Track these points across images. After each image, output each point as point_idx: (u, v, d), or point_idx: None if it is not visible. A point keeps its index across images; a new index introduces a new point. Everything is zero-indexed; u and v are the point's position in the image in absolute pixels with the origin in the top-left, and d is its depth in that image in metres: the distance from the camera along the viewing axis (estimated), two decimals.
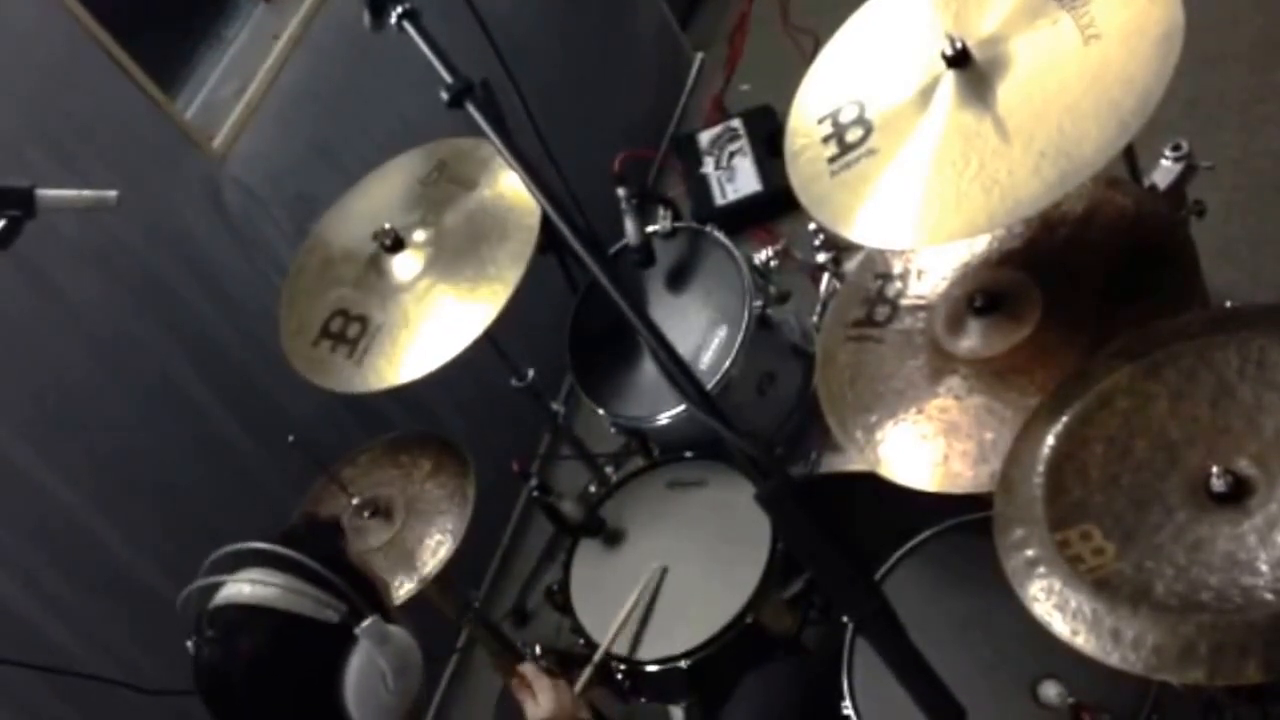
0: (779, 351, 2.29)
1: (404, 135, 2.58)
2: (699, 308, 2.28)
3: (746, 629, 2.01)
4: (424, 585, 2.09)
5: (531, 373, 2.38)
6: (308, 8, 2.68)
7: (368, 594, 1.43)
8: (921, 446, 1.69)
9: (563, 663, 2.06)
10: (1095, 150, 1.45)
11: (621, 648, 2.07)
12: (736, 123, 3.50)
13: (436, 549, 2.15)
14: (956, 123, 1.59)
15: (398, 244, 2.16)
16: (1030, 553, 1.38)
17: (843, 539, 1.14)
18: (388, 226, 2.16)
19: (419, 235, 2.18)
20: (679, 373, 1.17)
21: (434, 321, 2.08)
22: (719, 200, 3.39)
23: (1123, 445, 1.41)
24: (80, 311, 2.26)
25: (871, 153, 1.67)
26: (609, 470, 2.65)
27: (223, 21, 2.69)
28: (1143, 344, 1.47)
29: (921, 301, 1.84)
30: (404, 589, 2.10)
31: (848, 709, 1.74)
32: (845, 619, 1.78)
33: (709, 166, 3.46)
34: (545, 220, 2.06)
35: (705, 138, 3.52)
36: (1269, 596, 1.22)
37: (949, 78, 1.61)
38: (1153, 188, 1.78)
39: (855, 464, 1.83)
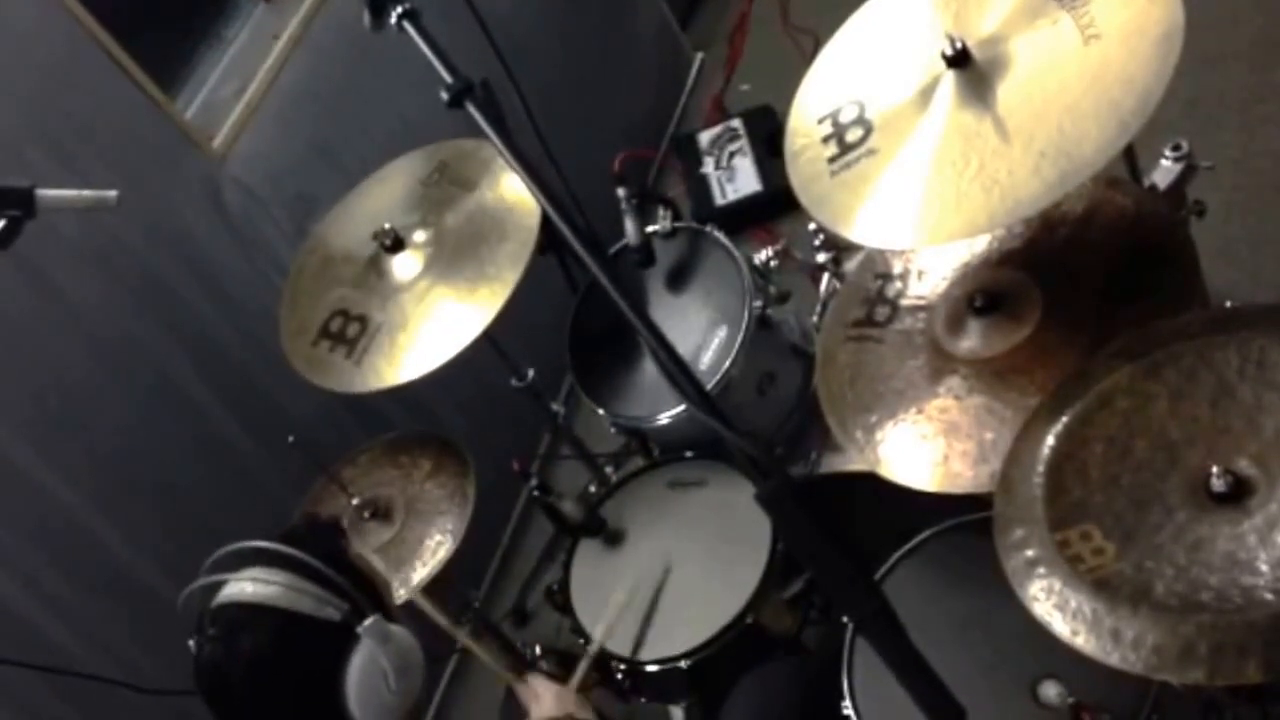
0: (779, 351, 2.29)
1: (404, 135, 2.59)
2: (699, 308, 2.28)
3: (746, 629, 2.01)
4: (417, 592, 2.08)
5: (531, 373, 2.38)
6: (308, 8, 2.68)
7: (369, 593, 1.43)
8: (921, 446, 1.69)
9: (563, 663, 2.06)
10: (1095, 150, 1.45)
11: (622, 648, 2.07)
12: (736, 123, 3.50)
13: (436, 549, 2.15)
14: (956, 123, 1.59)
15: (397, 244, 2.16)
16: (1030, 553, 1.38)
17: (843, 539, 1.14)
18: (387, 227, 2.16)
19: (419, 236, 2.18)
20: (679, 373, 1.17)
21: (433, 322, 2.08)
22: (719, 200, 3.39)
23: (1123, 445, 1.41)
24: (80, 311, 2.26)
25: (871, 153, 1.67)
26: (609, 470, 2.64)
27: (223, 21, 2.69)
28: (1143, 344, 1.47)
29: (921, 301, 1.84)
30: (401, 591, 2.10)
31: (848, 709, 1.74)
32: (845, 619, 1.78)
33: (709, 166, 3.46)
34: (545, 220, 2.07)
35: (705, 138, 3.52)
36: (1269, 596, 1.22)
37: (949, 78, 1.61)
38: (1153, 188, 1.78)
39: (855, 464, 1.83)
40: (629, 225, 2.31)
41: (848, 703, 1.75)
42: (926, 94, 1.64)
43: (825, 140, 1.73)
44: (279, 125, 2.63)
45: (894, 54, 1.74)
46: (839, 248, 2.08)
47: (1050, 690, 1.59)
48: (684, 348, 2.22)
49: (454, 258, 2.13)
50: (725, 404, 1.38)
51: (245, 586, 1.39)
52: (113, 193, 1.60)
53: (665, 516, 2.24)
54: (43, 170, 2.18)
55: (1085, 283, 1.70)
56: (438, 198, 2.23)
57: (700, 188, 3.43)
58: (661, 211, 2.37)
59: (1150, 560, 1.31)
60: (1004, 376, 1.67)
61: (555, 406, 2.50)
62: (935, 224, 1.56)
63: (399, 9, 1.32)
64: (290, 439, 2.13)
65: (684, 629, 2.05)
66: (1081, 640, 1.29)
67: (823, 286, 2.14)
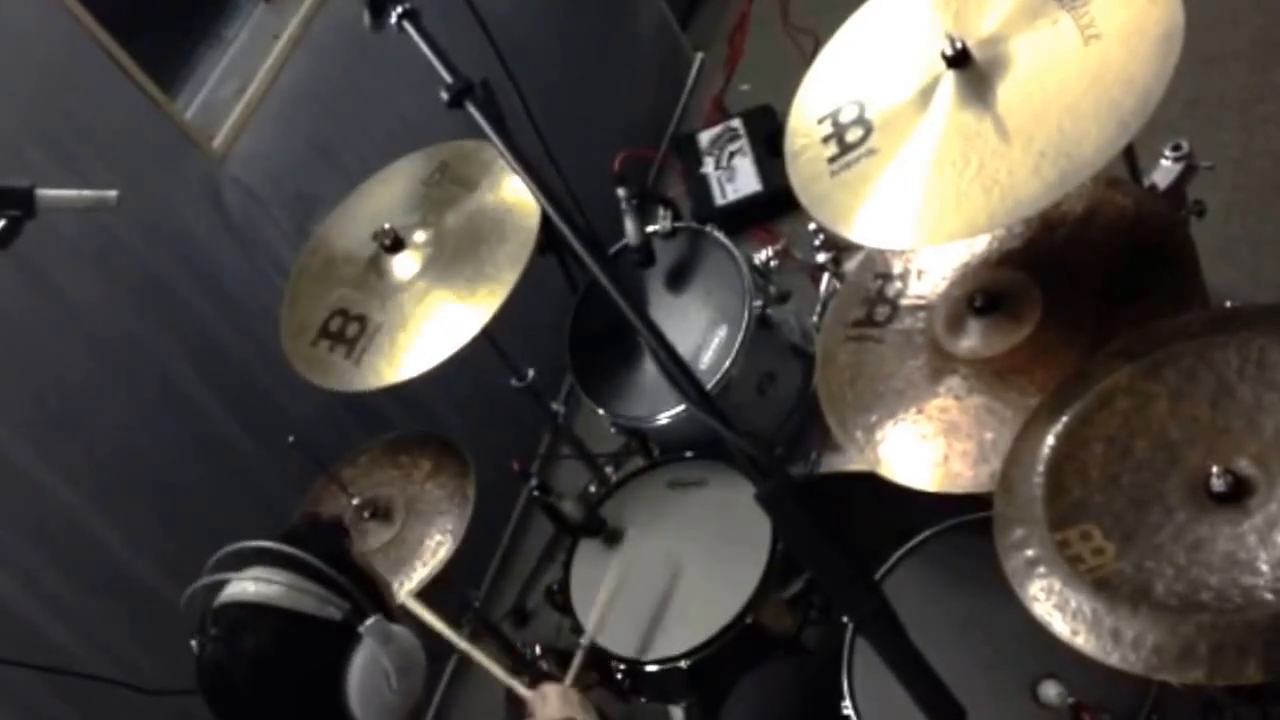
0: (779, 351, 2.29)
1: (404, 135, 2.59)
2: (699, 308, 2.28)
3: (746, 629, 2.01)
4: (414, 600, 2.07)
5: (531, 373, 2.38)
6: (308, 8, 2.68)
7: (371, 593, 1.43)
8: (921, 446, 1.69)
9: (563, 663, 2.06)
10: (1095, 150, 1.45)
11: (623, 648, 2.07)
12: (736, 123, 3.50)
13: (436, 549, 2.15)
14: (956, 123, 1.60)
15: (397, 244, 2.16)
16: (1030, 553, 1.38)
17: (843, 539, 1.14)
18: (387, 227, 2.16)
19: (419, 236, 2.18)
20: (679, 373, 1.17)
21: (432, 322, 2.08)
22: (719, 200, 3.39)
23: (1123, 445, 1.41)
24: (80, 311, 2.26)
25: (871, 153, 1.67)
26: (609, 470, 2.64)
27: (223, 21, 2.69)
28: (1143, 344, 1.47)
29: (921, 301, 1.84)
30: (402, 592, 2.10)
31: (848, 709, 1.74)
32: (845, 619, 1.78)
33: (709, 166, 3.46)
34: (545, 220, 2.07)
35: (705, 138, 3.52)
36: (1269, 596, 1.22)
37: (949, 78, 1.61)
38: (1153, 188, 1.78)
39: (855, 464, 1.83)
40: (629, 225, 2.31)
41: (848, 703, 1.75)
42: (926, 94, 1.64)
43: (825, 140, 1.73)
44: (279, 125, 2.63)
45: (894, 54, 1.74)
46: (839, 248, 2.08)
47: (1050, 690, 1.59)
48: (684, 348, 2.22)
49: (453, 258, 2.13)
50: (725, 404, 1.38)
51: (247, 586, 1.39)
52: (113, 193, 1.60)
53: (665, 516, 2.24)
54: (43, 170, 2.18)
55: (1085, 283, 1.70)
56: (439, 198, 2.23)
57: (700, 188, 3.43)
58: (661, 211, 2.37)
59: (1150, 560, 1.31)
60: (1004, 376, 1.67)
61: (555, 406, 2.50)
62: (935, 224, 1.56)
63: (399, 9, 1.32)
64: (290, 439, 2.14)
65: (684, 629, 2.05)
66: (1081, 640, 1.29)
67: (823, 286, 2.14)
